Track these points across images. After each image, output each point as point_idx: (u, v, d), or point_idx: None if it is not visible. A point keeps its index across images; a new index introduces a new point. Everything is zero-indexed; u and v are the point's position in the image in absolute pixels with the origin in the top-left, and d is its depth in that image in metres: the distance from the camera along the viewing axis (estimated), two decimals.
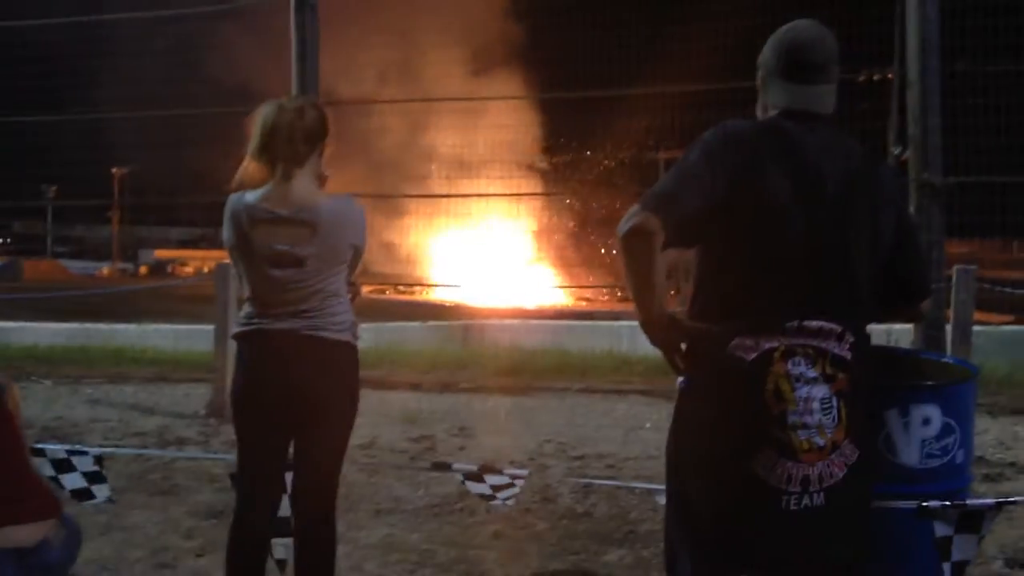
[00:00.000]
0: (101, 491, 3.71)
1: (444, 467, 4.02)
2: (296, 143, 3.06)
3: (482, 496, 3.61)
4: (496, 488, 3.61)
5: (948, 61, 6.78)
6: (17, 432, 3.04)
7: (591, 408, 7.76)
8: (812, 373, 2.20)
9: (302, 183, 3.08)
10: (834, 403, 2.21)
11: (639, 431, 6.88)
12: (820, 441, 2.20)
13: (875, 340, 2.41)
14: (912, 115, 6.11)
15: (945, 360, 3.50)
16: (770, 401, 2.18)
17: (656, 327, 2.24)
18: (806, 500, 2.20)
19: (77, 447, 3.84)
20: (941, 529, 2.79)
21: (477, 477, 3.63)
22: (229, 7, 13.33)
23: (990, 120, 8.36)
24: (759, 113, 2.48)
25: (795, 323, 2.22)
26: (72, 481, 3.66)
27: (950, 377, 3.02)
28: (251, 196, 3.08)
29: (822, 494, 2.21)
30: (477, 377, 9.00)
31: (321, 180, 3.20)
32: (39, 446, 3.73)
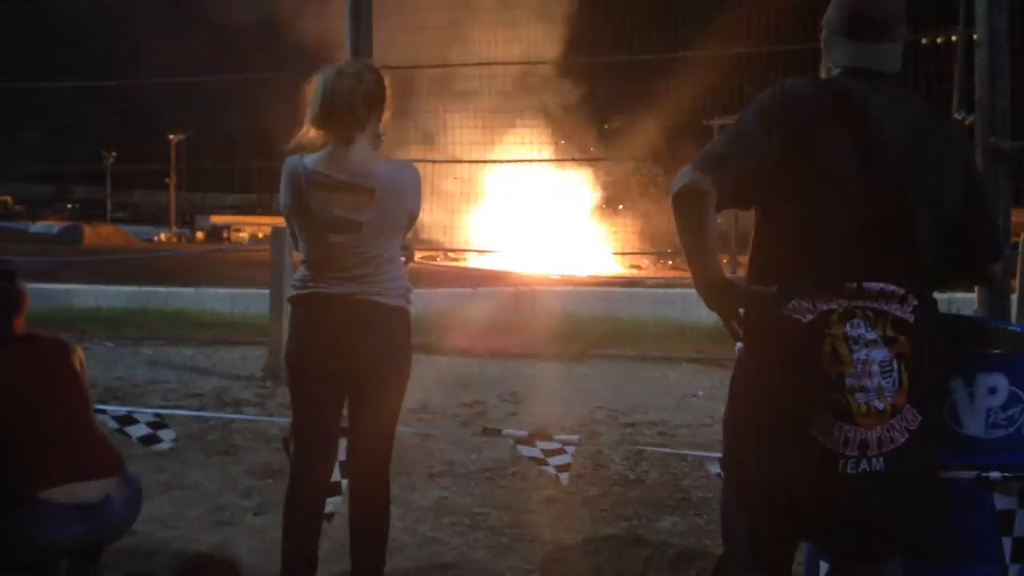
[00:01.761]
0: (167, 434, 3.80)
1: (495, 432, 4.03)
2: (357, 109, 3.04)
3: (533, 459, 3.61)
4: (547, 452, 3.62)
5: (1018, 21, 6.54)
6: (84, 391, 3.12)
7: (643, 375, 7.74)
8: (871, 335, 2.15)
9: (361, 148, 3.07)
10: (895, 366, 2.16)
11: (691, 399, 6.85)
12: (879, 405, 2.15)
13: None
14: (980, 77, 5.91)
15: (1012, 328, 3.40)
16: (827, 363, 2.14)
17: (711, 289, 2.21)
18: (864, 464, 2.16)
19: (138, 409, 3.93)
20: (1002, 502, 2.73)
21: (528, 442, 3.64)
22: None
23: None
24: (823, 74, 2.42)
25: (854, 285, 2.16)
26: (138, 431, 3.76)
27: (1017, 345, 2.93)
28: (309, 160, 3.08)
29: (881, 459, 2.17)
30: (528, 344, 9.01)
31: (376, 143, 3.19)
32: (100, 407, 3.82)
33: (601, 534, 4.07)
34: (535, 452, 3.60)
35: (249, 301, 11.23)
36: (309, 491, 3.21)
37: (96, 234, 44.91)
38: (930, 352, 2.22)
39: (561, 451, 3.60)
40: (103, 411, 3.74)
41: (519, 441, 3.64)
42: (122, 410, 3.85)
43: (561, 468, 3.58)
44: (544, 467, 3.58)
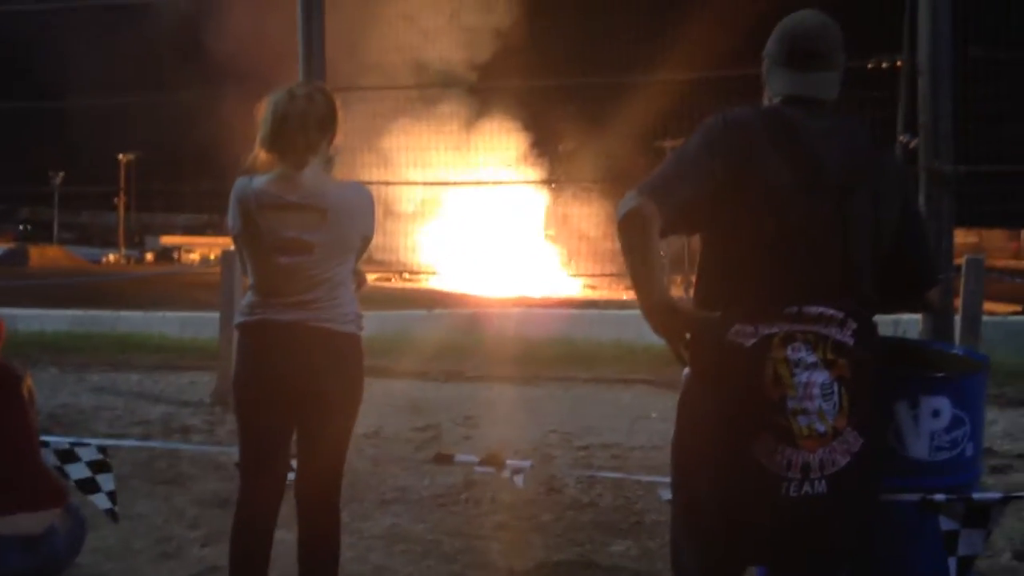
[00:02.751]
0: (106, 482, 3.68)
1: (447, 459, 4.00)
2: (309, 131, 3.02)
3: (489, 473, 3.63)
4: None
5: (959, 48, 6.71)
6: (31, 421, 3.04)
7: (597, 398, 7.74)
8: (812, 358, 2.19)
9: (312, 170, 3.05)
10: (835, 389, 2.20)
11: (645, 421, 6.86)
12: (820, 427, 2.18)
13: (882, 331, 2.39)
14: (923, 102, 6.06)
15: (955, 351, 3.47)
16: (769, 386, 2.17)
17: (656, 313, 2.23)
18: (806, 487, 2.19)
19: (82, 440, 3.82)
20: (947, 523, 2.77)
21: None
22: None
23: (1002, 108, 8.28)
24: (764, 102, 2.47)
25: (795, 309, 2.20)
26: (77, 471, 3.64)
27: (960, 368, 2.99)
28: (259, 181, 3.04)
29: (824, 481, 2.20)
30: (482, 366, 8.99)
31: (328, 166, 3.18)
32: (43, 438, 3.71)
33: (554, 559, 4.05)
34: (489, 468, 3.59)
35: (199, 325, 11.06)
36: (257, 521, 3.15)
37: (42, 256, 44.13)
38: (870, 375, 2.25)
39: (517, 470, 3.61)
40: (45, 443, 3.63)
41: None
42: (64, 443, 3.73)
43: (516, 471, 3.59)
44: (503, 473, 3.57)
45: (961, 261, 6.56)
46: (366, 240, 3.17)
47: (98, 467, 3.68)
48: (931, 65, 6.06)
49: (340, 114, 3.17)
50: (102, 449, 3.70)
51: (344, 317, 3.08)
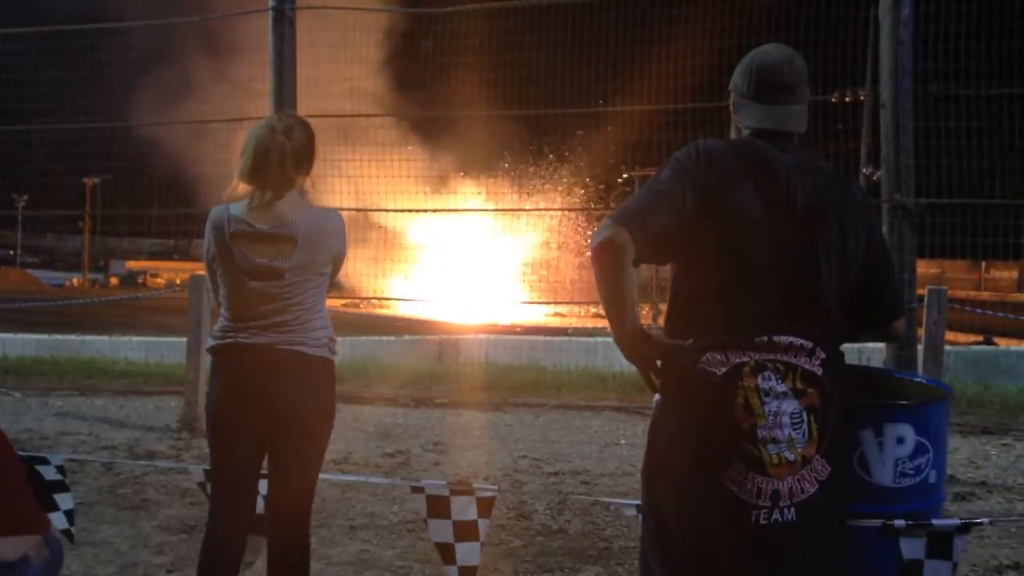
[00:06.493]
0: (65, 501, 3.64)
1: (416, 488, 3.94)
2: (287, 167, 3.09)
3: (441, 545, 3.23)
4: (459, 530, 3.23)
5: (920, 84, 6.86)
6: (7, 445, 3.00)
7: (566, 424, 7.76)
8: (782, 388, 2.23)
9: (288, 200, 3.10)
10: (804, 418, 2.24)
11: (614, 447, 6.89)
12: (790, 456, 2.22)
13: (847, 360, 2.43)
14: (885, 136, 6.19)
15: (918, 380, 3.53)
16: (740, 415, 2.21)
17: (629, 342, 2.26)
18: (776, 515, 2.22)
19: (41, 455, 3.77)
20: (909, 552, 2.80)
21: (442, 509, 3.25)
22: (202, 19, 13.27)
23: (960, 142, 8.47)
24: (733, 135, 2.52)
25: (765, 338, 2.24)
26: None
27: (923, 396, 3.04)
28: (234, 208, 3.10)
29: (793, 509, 2.23)
30: (452, 392, 8.98)
31: (305, 195, 3.22)
32: None
33: None
34: (446, 537, 3.24)
35: (165, 350, 10.97)
36: (226, 547, 3.14)
37: (4, 279, 43.52)
38: (837, 404, 2.30)
39: (472, 535, 3.23)
40: None
41: (434, 501, 3.25)
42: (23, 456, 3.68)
43: (465, 572, 3.22)
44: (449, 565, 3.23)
45: (924, 292, 6.67)
46: (338, 261, 3.22)
47: (56, 487, 3.64)
48: (893, 100, 6.20)
49: (317, 145, 3.23)
50: (60, 468, 3.65)
51: (316, 341, 3.10)
